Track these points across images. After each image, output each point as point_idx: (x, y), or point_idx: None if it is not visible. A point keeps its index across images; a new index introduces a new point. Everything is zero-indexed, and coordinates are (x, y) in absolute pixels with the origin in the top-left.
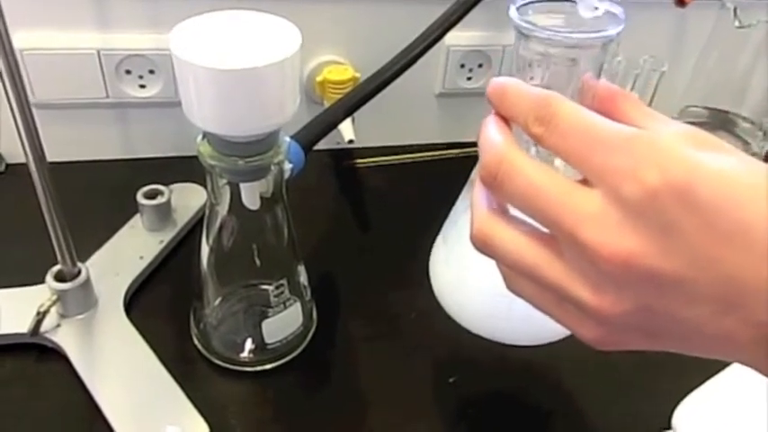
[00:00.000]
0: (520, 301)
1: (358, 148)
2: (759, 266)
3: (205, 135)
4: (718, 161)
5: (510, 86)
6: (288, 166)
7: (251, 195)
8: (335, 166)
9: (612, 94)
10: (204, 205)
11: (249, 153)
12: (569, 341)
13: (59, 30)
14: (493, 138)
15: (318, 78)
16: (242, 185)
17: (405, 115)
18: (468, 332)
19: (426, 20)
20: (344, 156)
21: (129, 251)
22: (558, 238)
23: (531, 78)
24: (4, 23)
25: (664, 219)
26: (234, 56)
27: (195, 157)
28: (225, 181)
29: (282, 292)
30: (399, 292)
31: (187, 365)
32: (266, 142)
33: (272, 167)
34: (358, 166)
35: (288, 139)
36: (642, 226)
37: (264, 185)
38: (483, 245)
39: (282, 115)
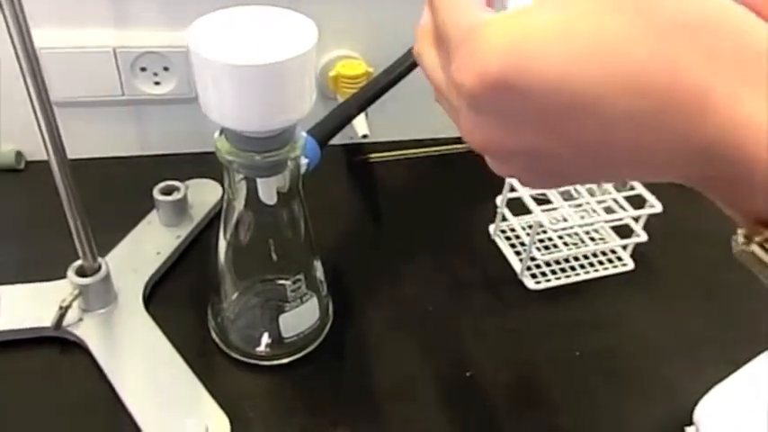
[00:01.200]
0: None
1: (371, 143)
2: (598, 129)
3: (222, 131)
4: (543, 30)
5: None
6: (304, 161)
7: (268, 190)
8: (349, 161)
9: None
10: (220, 200)
11: (266, 148)
12: (590, 339)
13: (76, 28)
14: (420, 23)
15: (332, 73)
16: (259, 181)
17: (417, 110)
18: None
19: None
20: (358, 150)
21: (147, 247)
22: None
23: None
24: (26, 24)
25: (498, 111)
26: (251, 51)
27: (210, 153)
28: (241, 176)
29: (299, 287)
30: (415, 286)
31: (206, 359)
32: (283, 137)
33: (289, 163)
34: (371, 160)
35: (304, 134)
36: (484, 118)
37: (281, 180)
38: (415, 54)
39: (300, 110)
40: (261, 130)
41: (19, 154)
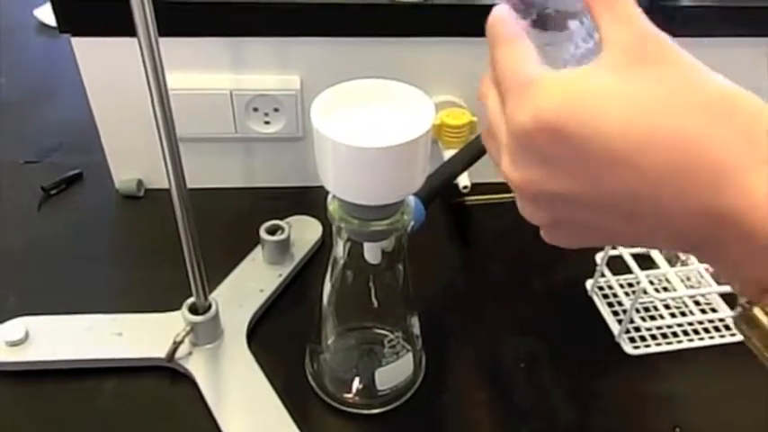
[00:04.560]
0: None
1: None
2: (631, 179)
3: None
4: (596, 90)
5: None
6: (410, 223)
7: (373, 252)
8: (446, 203)
9: None
10: (320, 239)
11: (377, 217)
12: (691, 414)
13: (199, 72)
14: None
15: (435, 121)
16: (365, 243)
17: None
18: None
19: None
20: (454, 193)
21: (251, 284)
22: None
23: None
24: (162, 69)
25: (542, 153)
26: (371, 132)
27: (310, 188)
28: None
29: (397, 343)
30: (508, 341)
31: (301, 400)
32: (394, 207)
33: (397, 228)
34: (468, 203)
35: (412, 199)
36: (528, 159)
37: (387, 243)
38: (480, 96)
39: (414, 186)
40: (374, 204)
41: (140, 182)
